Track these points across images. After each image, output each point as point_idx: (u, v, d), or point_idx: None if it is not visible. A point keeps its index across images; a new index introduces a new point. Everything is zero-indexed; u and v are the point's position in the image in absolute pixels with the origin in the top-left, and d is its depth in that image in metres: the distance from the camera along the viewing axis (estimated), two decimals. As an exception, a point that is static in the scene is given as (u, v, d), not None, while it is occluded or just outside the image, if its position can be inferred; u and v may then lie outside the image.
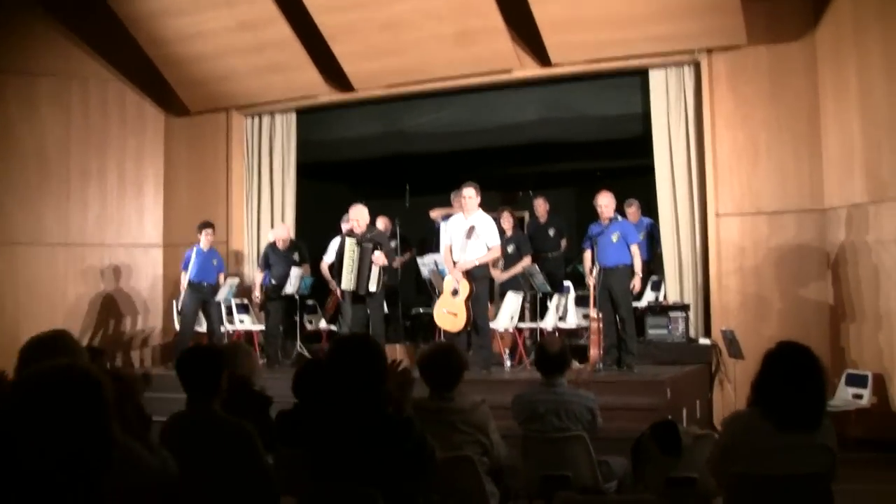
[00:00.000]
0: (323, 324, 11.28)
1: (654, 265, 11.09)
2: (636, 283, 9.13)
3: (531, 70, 11.06)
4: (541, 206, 11.97)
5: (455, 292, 9.02)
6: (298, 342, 10.56)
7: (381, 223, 11.41)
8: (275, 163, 12.64)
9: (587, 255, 9.42)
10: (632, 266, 9.17)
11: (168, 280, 12.58)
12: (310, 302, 11.37)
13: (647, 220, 11.35)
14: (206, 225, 11.24)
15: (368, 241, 9.61)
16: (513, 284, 10.28)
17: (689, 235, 10.54)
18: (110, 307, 12.53)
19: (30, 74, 12.30)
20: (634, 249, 9.17)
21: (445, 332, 9.23)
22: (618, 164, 12.47)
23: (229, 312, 11.30)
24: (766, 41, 10.01)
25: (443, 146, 12.13)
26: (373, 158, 12.48)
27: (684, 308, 10.20)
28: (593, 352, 8.86)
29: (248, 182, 12.73)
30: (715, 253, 10.24)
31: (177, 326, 11.38)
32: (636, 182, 11.71)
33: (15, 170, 12.16)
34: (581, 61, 10.78)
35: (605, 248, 9.24)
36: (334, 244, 11.04)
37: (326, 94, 11.99)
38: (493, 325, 9.50)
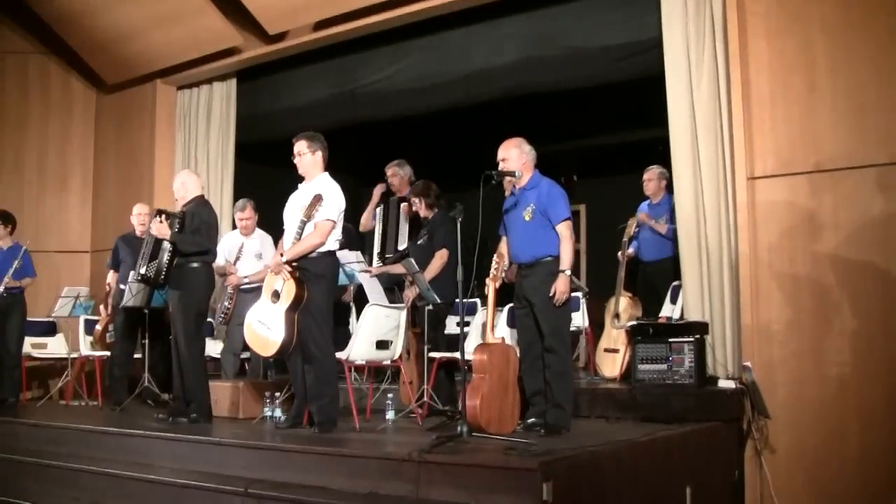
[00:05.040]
0: (214, 350, 8.20)
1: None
2: (559, 286, 5.45)
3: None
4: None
5: (276, 295, 5.74)
6: (146, 375, 7.54)
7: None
8: (211, 143, 9.88)
9: (502, 244, 5.87)
10: (557, 259, 5.53)
11: (96, 291, 9.92)
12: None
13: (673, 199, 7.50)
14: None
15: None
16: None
17: (715, 214, 6.65)
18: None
19: (-65, 52, 10.26)
20: (562, 230, 5.52)
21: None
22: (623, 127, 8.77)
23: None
24: None
25: (403, 108, 8.92)
26: (322, 130, 9.31)
27: (697, 329, 6.32)
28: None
29: (185, 167, 9.95)
30: (747, 238, 6.32)
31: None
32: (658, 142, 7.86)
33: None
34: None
35: (518, 234, 5.72)
36: (227, 241, 8.09)
37: (251, 49, 9.10)
38: (343, 354, 6.02)
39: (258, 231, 8.02)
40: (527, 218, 5.59)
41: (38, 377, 9.01)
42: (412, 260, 6.43)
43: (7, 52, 10.42)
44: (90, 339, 8.11)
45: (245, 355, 7.87)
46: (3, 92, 10.39)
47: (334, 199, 5.81)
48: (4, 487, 6.05)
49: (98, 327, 8.01)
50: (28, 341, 8.46)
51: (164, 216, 6.55)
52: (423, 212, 6.95)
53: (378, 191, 7.97)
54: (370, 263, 7.47)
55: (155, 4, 8.70)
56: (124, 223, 8.89)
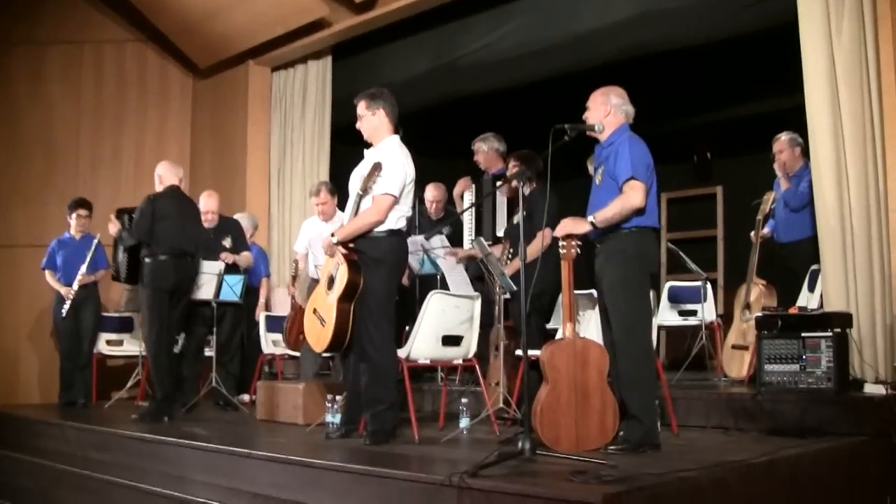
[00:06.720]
0: (277, 347, 7.65)
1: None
2: (564, 223, 4.62)
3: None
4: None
5: (331, 282, 4.96)
6: (213, 375, 6.93)
7: (433, 193, 7.55)
8: (307, 125, 9.37)
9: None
10: (633, 233, 4.50)
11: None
12: (270, 313, 7.79)
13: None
14: (79, 204, 8.15)
15: None
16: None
17: (861, 182, 5.44)
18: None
19: (37, 43, 10.04)
20: (625, 189, 4.44)
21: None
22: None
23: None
24: None
25: (506, 78, 8.10)
26: (423, 107, 8.54)
27: (837, 321, 5.14)
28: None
29: (280, 151, 9.49)
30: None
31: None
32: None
33: (20, 159, 9.97)
34: None
35: (590, 203, 4.68)
36: (308, 227, 7.45)
37: (340, 21, 8.44)
38: (402, 352, 5.15)
39: (339, 215, 7.31)
40: (598, 181, 4.59)
41: (121, 375, 8.59)
42: (482, 239, 5.53)
43: (105, 41, 10.14)
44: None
45: (329, 352, 7.21)
46: (102, 83, 10.11)
47: (396, 169, 4.90)
48: (44, 496, 5.58)
49: None
50: (104, 338, 8.06)
51: (117, 215, 6.64)
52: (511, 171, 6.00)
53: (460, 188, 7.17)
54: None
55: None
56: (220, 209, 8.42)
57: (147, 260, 6.41)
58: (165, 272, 6.40)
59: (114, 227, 6.69)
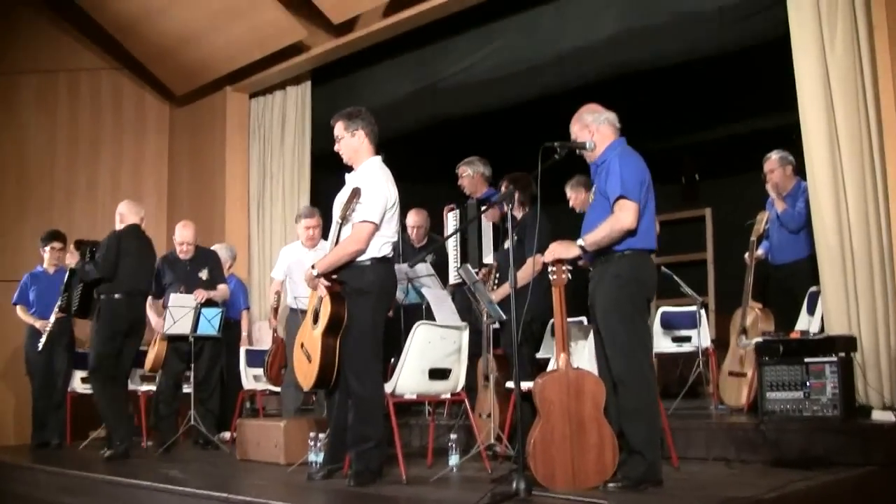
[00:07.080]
0: (258, 382, 7.40)
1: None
2: (553, 248, 4.38)
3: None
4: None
5: (316, 316, 4.72)
6: (192, 412, 6.67)
7: (415, 218, 7.32)
8: (286, 153, 9.18)
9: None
10: (627, 257, 4.26)
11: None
12: (250, 347, 7.55)
13: (804, 185, 6.07)
14: (53, 237, 7.97)
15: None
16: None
17: (860, 198, 5.26)
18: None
19: (11, 73, 9.81)
20: (615, 209, 4.20)
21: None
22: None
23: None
24: None
25: (490, 100, 7.92)
26: (405, 132, 8.34)
27: (841, 345, 4.94)
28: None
29: (260, 179, 9.28)
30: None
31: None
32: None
33: (-5, 192, 9.72)
34: None
35: (584, 225, 4.44)
36: (287, 253, 7.20)
37: (319, 44, 8.27)
38: (389, 386, 4.88)
39: (324, 243, 7.08)
40: (590, 200, 4.40)
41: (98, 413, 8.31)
42: (469, 266, 5.30)
43: (80, 69, 9.93)
44: (140, 371, 7.32)
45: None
46: (77, 112, 9.90)
47: (375, 195, 4.65)
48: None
49: (150, 357, 7.13)
50: (79, 375, 7.75)
51: (77, 246, 6.62)
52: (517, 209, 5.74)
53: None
54: (446, 280, 6.40)
55: (210, 2, 7.96)
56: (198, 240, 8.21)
57: (102, 297, 6.35)
58: (120, 311, 6.38)
59: (72, 258, 6.68)
